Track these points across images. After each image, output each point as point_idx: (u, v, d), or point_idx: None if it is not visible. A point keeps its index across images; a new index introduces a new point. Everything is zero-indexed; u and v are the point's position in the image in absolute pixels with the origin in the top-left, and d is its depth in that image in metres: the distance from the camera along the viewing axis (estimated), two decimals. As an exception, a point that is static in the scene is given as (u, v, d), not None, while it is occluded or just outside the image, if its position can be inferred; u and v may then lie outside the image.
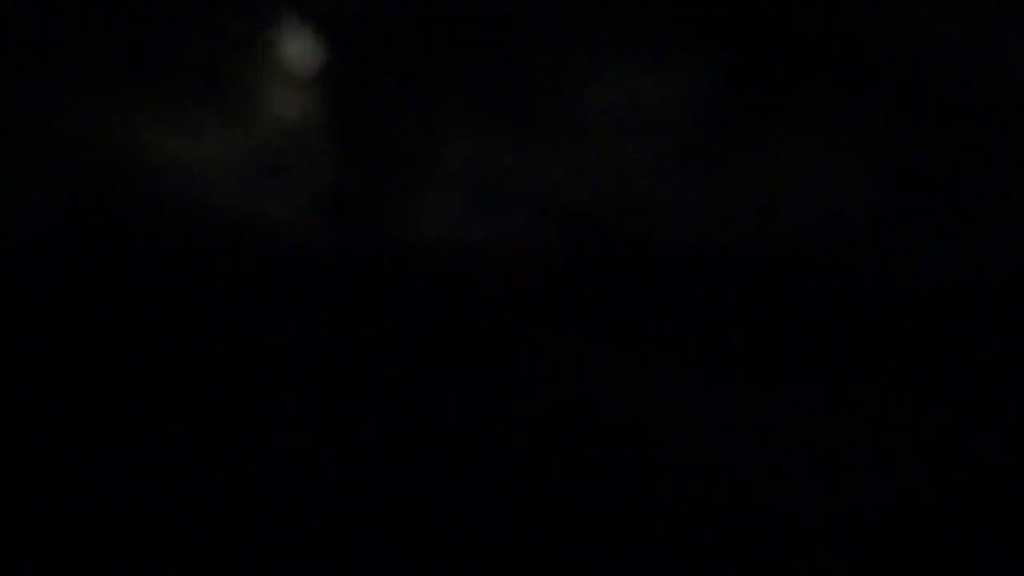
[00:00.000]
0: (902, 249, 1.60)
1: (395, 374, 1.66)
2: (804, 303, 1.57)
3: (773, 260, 1.60)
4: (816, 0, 1.63)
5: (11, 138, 1.78)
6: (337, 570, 1.45)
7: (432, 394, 1.62)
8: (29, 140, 1.79)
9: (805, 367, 1.55)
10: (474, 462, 1.53)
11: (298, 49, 1.90)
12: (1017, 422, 1.47)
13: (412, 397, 1.62)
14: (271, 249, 1.72)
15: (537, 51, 1.73)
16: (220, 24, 1.83)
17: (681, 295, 1.63)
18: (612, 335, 1.64)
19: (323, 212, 1.78)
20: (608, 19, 1.69)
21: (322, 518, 1.48)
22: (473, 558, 1.46)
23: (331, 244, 1.76)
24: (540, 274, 1.70)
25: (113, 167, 1.76)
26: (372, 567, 1.44)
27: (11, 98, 1.78)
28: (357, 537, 1.47)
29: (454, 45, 1.80)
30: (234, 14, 1.82)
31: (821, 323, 1.57)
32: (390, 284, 1.74)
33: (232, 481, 1.52)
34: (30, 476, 1.52)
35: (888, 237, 1.60)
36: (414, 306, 1.72)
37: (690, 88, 1.65)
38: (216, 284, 1.73)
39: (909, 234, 1.60)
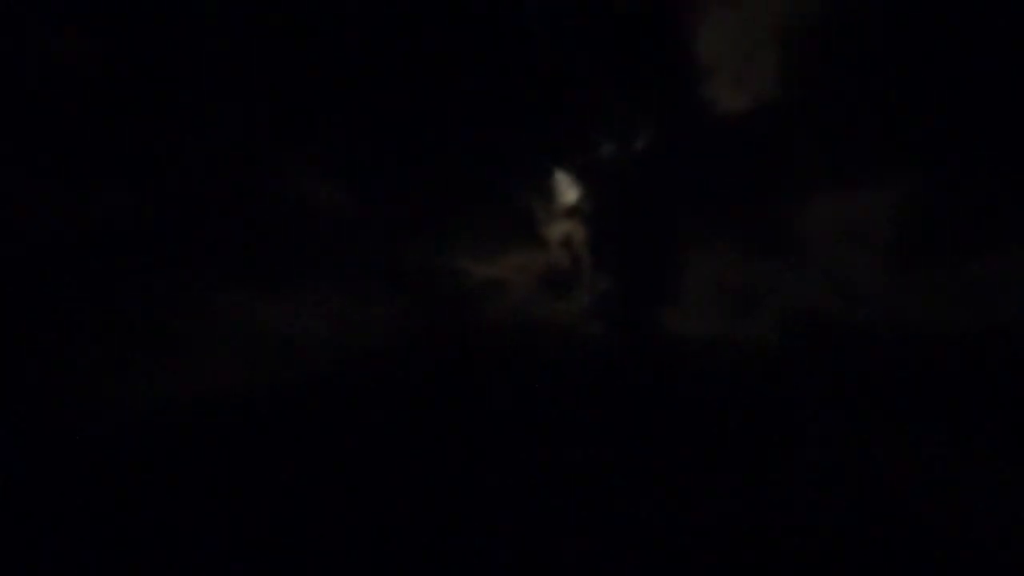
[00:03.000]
0: None
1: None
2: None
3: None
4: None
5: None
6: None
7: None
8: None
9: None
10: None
11: (572, 195, 3.81)
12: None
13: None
14: (561, 346, 2.24)
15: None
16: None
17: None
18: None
19: (599, 315, 2.46)
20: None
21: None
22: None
23: (607, 340, 2.36)
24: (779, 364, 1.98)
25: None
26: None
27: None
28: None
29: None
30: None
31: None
32: (651, 373, 2.16)
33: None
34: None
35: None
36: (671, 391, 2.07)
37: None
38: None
39: None
